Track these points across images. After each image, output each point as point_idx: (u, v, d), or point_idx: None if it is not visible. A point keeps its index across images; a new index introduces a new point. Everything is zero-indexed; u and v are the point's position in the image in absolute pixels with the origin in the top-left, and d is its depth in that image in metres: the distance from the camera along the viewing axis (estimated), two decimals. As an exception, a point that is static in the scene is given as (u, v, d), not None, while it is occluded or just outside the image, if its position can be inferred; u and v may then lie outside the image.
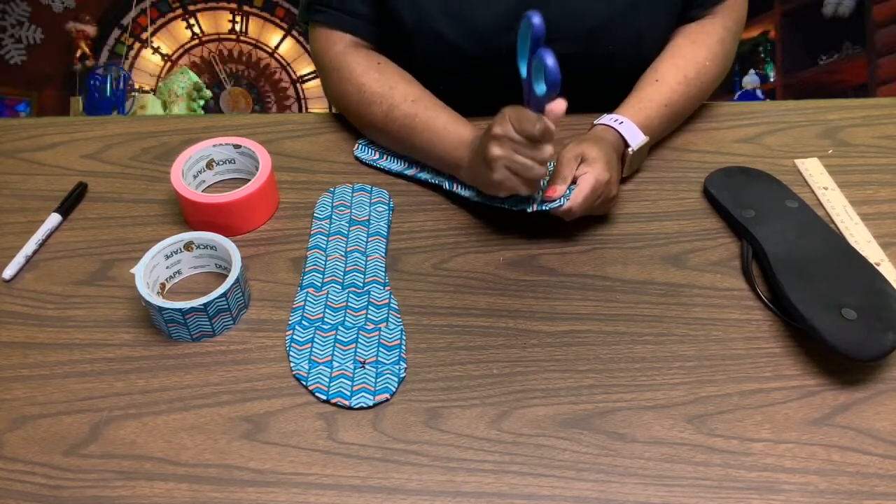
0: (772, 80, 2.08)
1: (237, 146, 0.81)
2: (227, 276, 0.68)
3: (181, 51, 2.14)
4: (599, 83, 0.86)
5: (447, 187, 0.79)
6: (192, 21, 2.13)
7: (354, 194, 0.80)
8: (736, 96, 2.09)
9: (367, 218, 0.77)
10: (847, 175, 0.82)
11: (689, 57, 0.83)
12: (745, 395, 0.63)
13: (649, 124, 0.79)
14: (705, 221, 0.78)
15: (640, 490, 0.57)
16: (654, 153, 0.85)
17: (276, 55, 2.14)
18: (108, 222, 0.79)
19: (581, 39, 0.83)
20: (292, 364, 0.65)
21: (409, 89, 0.81)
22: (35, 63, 2.09)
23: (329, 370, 0.64)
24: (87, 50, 2.10)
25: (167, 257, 0.70)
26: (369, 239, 0.75)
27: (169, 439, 0.61)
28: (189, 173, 0.79)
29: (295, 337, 0.67)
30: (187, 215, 0.78)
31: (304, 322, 0.68)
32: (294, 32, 2.14)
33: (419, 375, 0.65)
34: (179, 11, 2.12)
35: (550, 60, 0.59)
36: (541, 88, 0.62)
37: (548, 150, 0.67)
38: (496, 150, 0.68)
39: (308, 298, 0.70)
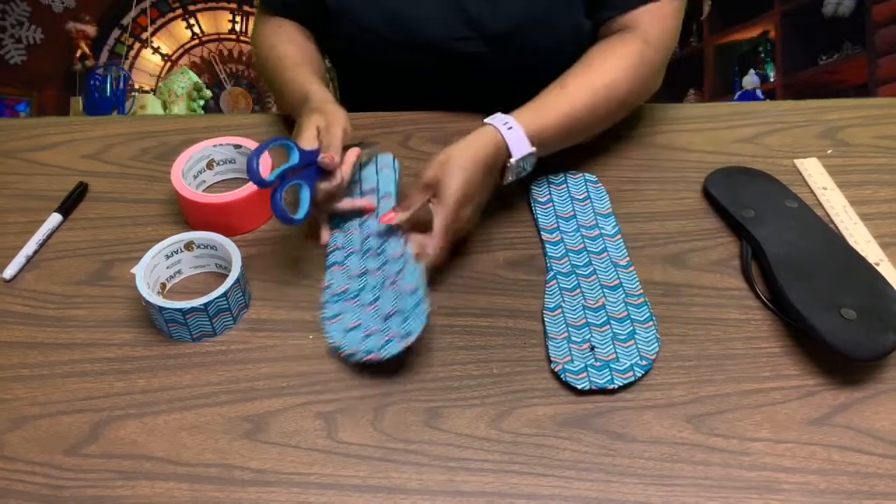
0: (772, 80, 2.08)
1: (237, 146, 0.81)
2: (227, 275, 0.68)
3: (181, 51, 2.14)
4: (518, 91, 0.78)
5: None
6: (192, 21, 2.13)
7: (361, 171, 0.79)
8: (736, 96, 2.09)
9: (375, 186, 0.77)
10: (846, 175, 0.82)
11: (598, 67, 0.77)
12: (744, 394, 0.63)
13: (541, 134, 0.73)
14: (705, 221, 0.78)
15: (640, 490, 0.57)
16: (654, 153, 0.85)
17: (276, 55, 2.14)
18: (108, 222, 0.79)
19: (497, 40, 0.84)
20: (328, 338, 0.66)
21: (296, 51, 0.86)
22: (35, 63, 2.09)
23: (360, 333, 0.65)
24: (87, 50, 2.10)
25: (167, 257, 0.70)
26: (380, 200, 0.75)
27: (169, 439, 0.61)
28: (189, 173, 0.79)
29: (326, 313, 0.69)
30: (187, 215, 0.78)
31: (333, 299, 0.70)
32: (294, 32, 2.13)
33: (419, 375, 0.65)
34: (179, 11, 2.12)
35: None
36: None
37: None
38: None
39: (334, 277, 0.71)
